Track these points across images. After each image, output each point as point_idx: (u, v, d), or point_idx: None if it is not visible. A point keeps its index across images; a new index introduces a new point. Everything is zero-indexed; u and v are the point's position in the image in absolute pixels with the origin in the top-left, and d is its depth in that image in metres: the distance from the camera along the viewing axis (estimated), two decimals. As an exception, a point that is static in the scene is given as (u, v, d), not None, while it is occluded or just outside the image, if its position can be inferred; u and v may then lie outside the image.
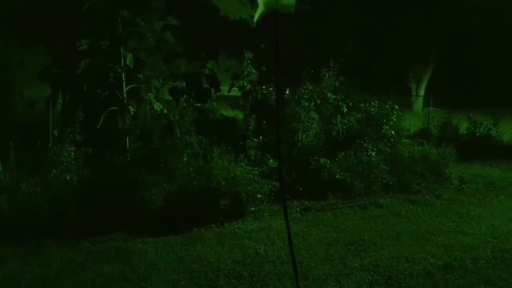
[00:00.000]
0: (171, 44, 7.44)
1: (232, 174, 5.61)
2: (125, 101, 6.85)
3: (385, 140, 7.12)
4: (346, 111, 7.79)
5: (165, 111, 6.78)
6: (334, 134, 7.60)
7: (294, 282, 3.77)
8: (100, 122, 6.65)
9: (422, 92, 19.21)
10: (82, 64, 6.68)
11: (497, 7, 16.40)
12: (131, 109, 6.79)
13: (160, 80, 7.41)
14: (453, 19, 16.54)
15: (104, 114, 6.71)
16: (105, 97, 6.85)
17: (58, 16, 7.63)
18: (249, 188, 5.58)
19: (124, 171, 5.72)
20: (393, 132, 7.24)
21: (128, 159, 6.26)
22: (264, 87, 7.70)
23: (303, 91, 7.42)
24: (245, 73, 7.69)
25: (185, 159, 5.92)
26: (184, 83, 7.91)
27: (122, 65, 6.87)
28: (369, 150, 6.75)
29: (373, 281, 3.79)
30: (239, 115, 7.94)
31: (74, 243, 4.65)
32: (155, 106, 6.89)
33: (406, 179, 6.78)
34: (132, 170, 5.74)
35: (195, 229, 5.02)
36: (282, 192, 3.53)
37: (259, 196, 5.73)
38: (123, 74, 6.91)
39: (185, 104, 6.86)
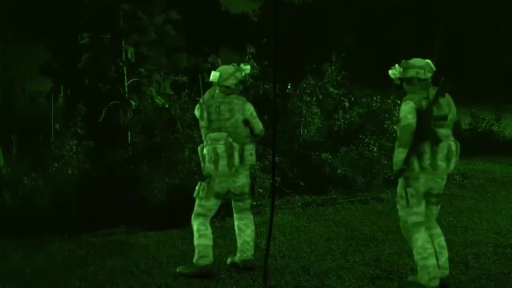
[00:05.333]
0: (172, 38, 7.42)
1: (233, 168, 5.60)
2: (126, 95, 6.85)
3: (387, 135, 7.10)
4: (348, 106, 7.77)
5: (167, 105, 6.78)
6: (335, 129, 7.59)
7: (295, 276, 3.78)
8: (102, 116, 6.66)
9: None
10: (83, 58, 6.69)
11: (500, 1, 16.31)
12: (133, 103, 6.80)
13: (162, 74, 7.41)
14: (456, 13, 16.47)
15: (105, 108, 6.72)
16: (107, 91, 6.86)
17: (59, 9, 7.62)
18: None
19: (125, 165, 5.73)
20: (395, 127, 7.22)
21: (130, 153, 6.27)
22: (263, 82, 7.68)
23: (305, 85, 7.40)
24: (247, 67, 7.65)
25: (186, 153, 5.92)
26: (186, 77, 7.90)
27: (124, 59, 6.86)
28: (370, 145, 6.73)
29: (374, 275, 3.79)
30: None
31: (76, 237, 4.67)
32: (156, 100, 6.89)
33: (408, 174, 6.75)
34: (133, 164, 5.75)
35: (196, 223, 5.02)
36: (272, 192, 3.58)
37: (260, 190, 5.73)
38: (125, 68, 6.91)
39: (186, 98, 6.85)
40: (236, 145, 3.66)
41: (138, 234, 4.78)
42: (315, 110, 7.26)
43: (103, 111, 6.66)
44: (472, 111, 10.05)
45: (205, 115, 3.70)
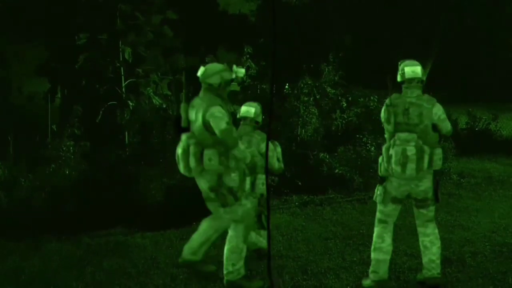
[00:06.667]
0: (169, 38, 7.42)
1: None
2: (124, 95, 6.85)
3: (385, 135, 7.11)
4: (345, 106, 7.79)
5: (164, 106, 6.78)
6: (333, 128, 7.60)
7: (293, 276, 3.78)
8: (99, 117, 6.66)
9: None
10: (80, 58, 6.68)
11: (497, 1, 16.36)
12: (130, 103, 6.79)
13: (159, 74, 7.40)
14: (453, 13, 16.51)
15: (103, 109, 6.71)
16: (104, 92, 6.86)
17: (57, 10, 7.61)
18: (248, 182, 5.58)
19: (123, 166, 5.72)
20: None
21: (127, 153, 6.26)
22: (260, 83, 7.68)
23: (302, 85, 7.41)
24: (244, 67, 7.67)
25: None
26: (183, 78, 7.89)
27: (121, 59, 6.86)
28: (368, 144, 6.75)
29: (372, 275, 3.79)
30: (238, 110, 7.90)
31: (73, 238, 4.66)
32: (154, 101, 6.89)
33: (405, 174, 6.77)
34: (131, 165, 5.74)
35: (194, 223, 5.02)
36: (267, 192, 3.54)
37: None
38: (122, 69, 6.91)
39: (184, 98, 6.85)
40: (426, 148, 3.43)
41: (135, 235, 4.76)
42: (313, 110, 7.27)
43: (100, 112, 6.65)
44: (469, 110, 10.08)
45: (392, 118, 3.51)
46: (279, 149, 4.22)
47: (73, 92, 7.42)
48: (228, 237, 3.57)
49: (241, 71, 3.51)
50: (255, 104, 4.19)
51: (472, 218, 5.29)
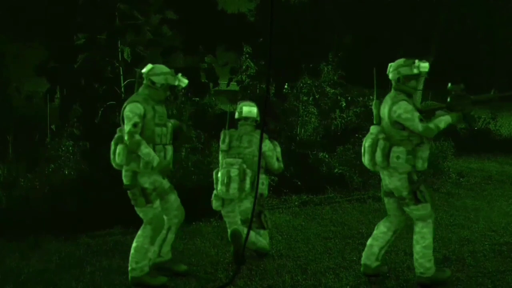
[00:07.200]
0: (168, 38, 7.41)
1: (230, 168, 5.59)
2: (123, 95, 6.84)
3: (384, 134, 7.12)
4: (344, 106, 7.79)
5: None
6: (332, 128, 7.61)
7: (292, 275, 3.79)
8: (98, 117, 6.65)
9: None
10: (79, 58, 6.68)
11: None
12: (129, 103, 6.77)
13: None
14: (453, 12, 16.53)
15: (102, 109, 6.71)
16: (103, 92, 6.85)
17: (55, 9, 7.60)
18: (247, 182, 5.57)
19: (122, 166, 5.69)
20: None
21: (127, 153, 6.23)
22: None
23: (301, 85, 7.41)
24: (244, 67, 7.68)
25: (183, 153, 5.92)
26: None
27: (120, 59, 6.85)
28: (367, 144, 6.74)
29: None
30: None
31: (72, 238, 4.66)
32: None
33: (405, 173, 6.77)
34: (130, 165, 5.71)
35: (193, 223, 5.03)
36: (256, 188, 3.51)
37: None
38: (121, 68, 6.90)
39: (183, 98, 6.85)
40: (381, 143, 3.45)
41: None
42: (312, 110, 7.28)
43: (100, 112, 6.65)
44: (468, 110, 10.06)
45: (375, 111, 3.66)
46: (278, 149, 4.23)
47: (72, 92, 7.40)
48: (136, 235, 3.67)
49: (185, 82, 3.61)
50: (253, 103, 4.21)
51: (471, 217, 5.29)
